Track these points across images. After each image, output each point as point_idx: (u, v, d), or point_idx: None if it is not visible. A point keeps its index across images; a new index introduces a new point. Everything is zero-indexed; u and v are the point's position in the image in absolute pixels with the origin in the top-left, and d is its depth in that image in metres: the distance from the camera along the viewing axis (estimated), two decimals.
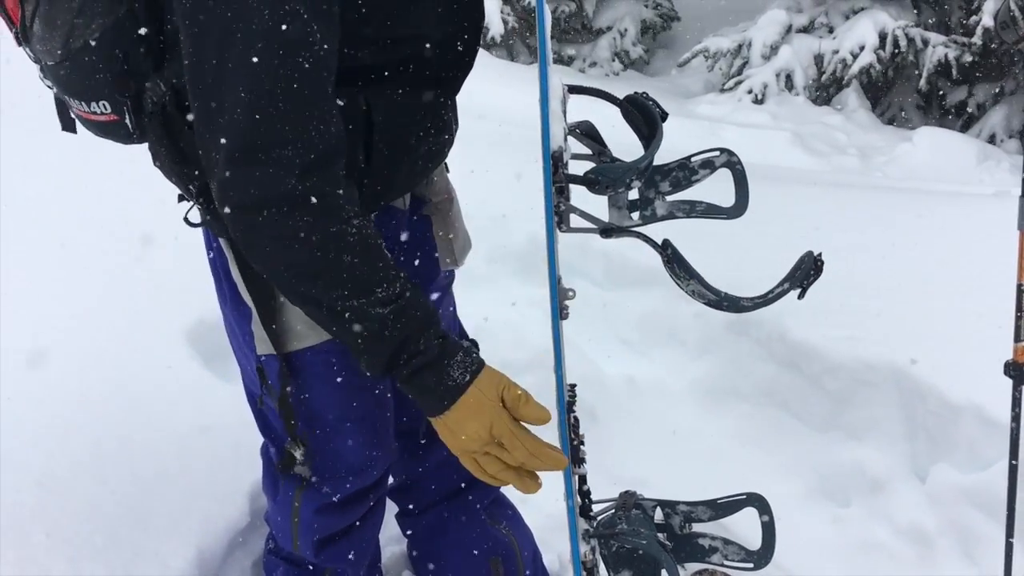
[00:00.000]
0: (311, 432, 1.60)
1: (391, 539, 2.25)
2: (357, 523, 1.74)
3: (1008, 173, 7.47)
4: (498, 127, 4.79)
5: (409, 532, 1.96)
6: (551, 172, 1.33)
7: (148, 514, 1.99)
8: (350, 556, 1.75)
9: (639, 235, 1.43)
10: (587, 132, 1.49)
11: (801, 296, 1.39)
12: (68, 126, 1.60)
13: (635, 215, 1.45)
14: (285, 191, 1.20)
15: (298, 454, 1.59)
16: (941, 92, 9.92)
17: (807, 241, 3.31)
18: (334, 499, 1.68)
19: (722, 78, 10.47)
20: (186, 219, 1.54)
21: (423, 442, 1.84)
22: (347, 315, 1.25)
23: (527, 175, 4.13)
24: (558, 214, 1.36)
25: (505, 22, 10.76)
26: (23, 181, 3.34)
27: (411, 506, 1.92)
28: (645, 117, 1.47)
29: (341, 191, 1.25)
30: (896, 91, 10.22)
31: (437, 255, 1.68)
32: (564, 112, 1.37)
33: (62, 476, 2.05)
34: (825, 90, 9.98)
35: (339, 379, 1.56)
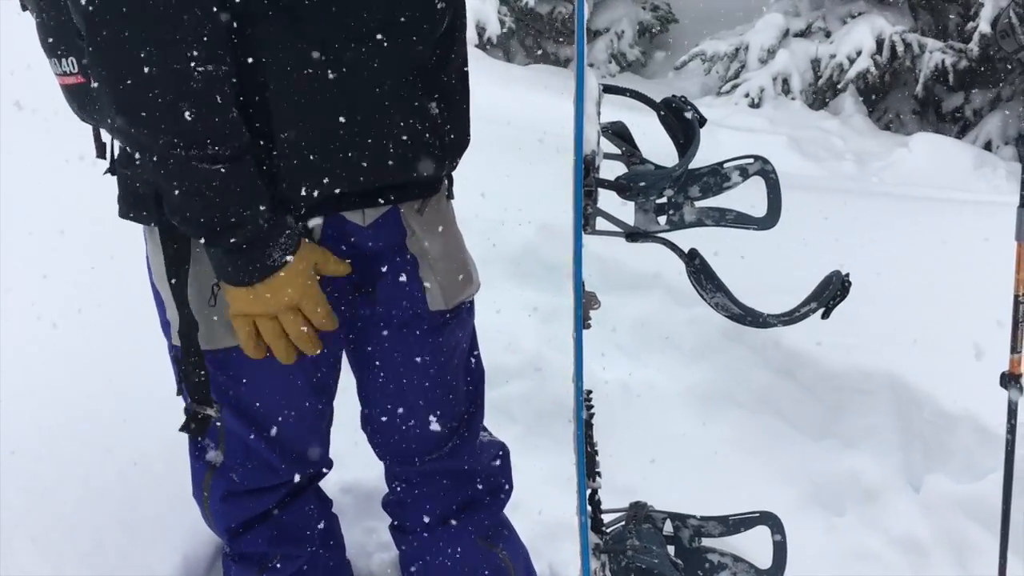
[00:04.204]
0: (224, 423, 1.59)
1: (381, 545, 2.23)
2: (274, 510, 1.72)
3: (1004, 180, 7.47)
4: (492, 127, 4.77)
5: (402, 547, 1.93)
6: (582, 176, 1.29)
7: (134, 519, 1.97)
8: (271, 543, 1.72)
9: (665, 242, 1.39)
10: (618, 132, 1.46)
11: (825, 316, 1.37)
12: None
13: (662, 219, 1.41)
14: None
15: (211, 411, 1.51)
16: (938, 98, 9.94)
17: (802, 246, 3.32)
18: (242, 488, 1.67)
19: (719, 81, 10.47)
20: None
21: (417, 471, 1.79)
22: (170, 161, 1.23)
23: (523, 177, 4.12)
24: (584, 216, 1.33)
25: (502, 22, 10.75)
26: (21, 176, 3.31)
27: (404, 523, 1.89)
28: (682, 122, 1.44)
29: (212, 28, 1.21)
30: (893, 96, 10.22)
31: (427, 296, 1.59)
32: (598, 114, 1.33)
33: (48, 480, 2.02)
34: (822, 95, 9.98)
35: (254, 386, 1.53)
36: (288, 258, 1.34)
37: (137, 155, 1.27)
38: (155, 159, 1.24)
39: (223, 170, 1.24)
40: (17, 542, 1.85)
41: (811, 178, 6.65)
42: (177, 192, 1.26)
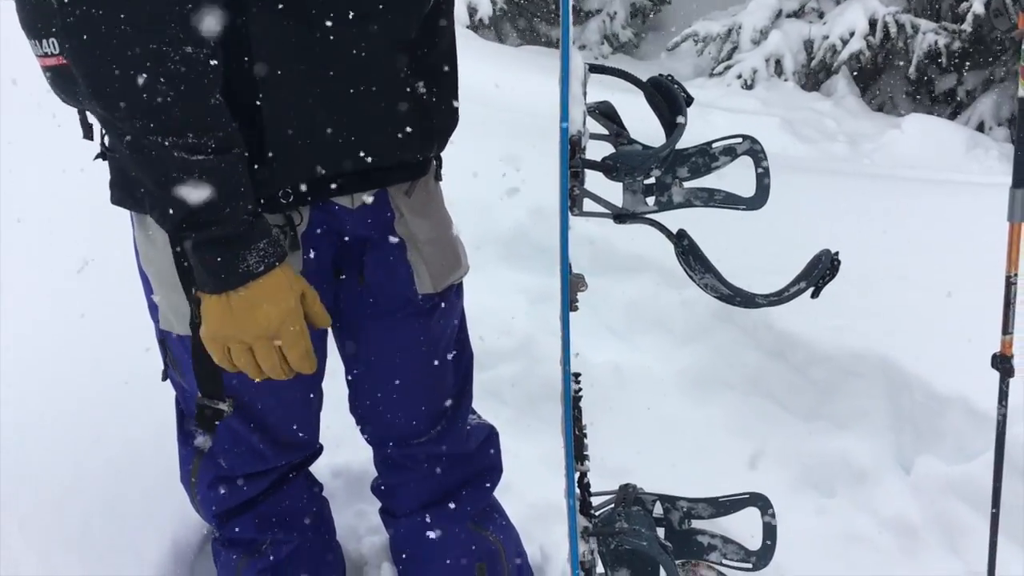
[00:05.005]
0: None
1: (372, 529, 2.22)
2: (263, 496, 1.71)
3: (997, 161, 7.46)
4: (483, 109, 4.75)
5: (392, 531, 1.93)
6: (568, 156, 1.27)
7: (123, 505, 1.96)
8: (260, 529, 1.71)
9: (653, 223, 1.38)
10: (605, 112, 1.44)
11: (815, 295, 1.35)
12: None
13: (650, 200, 1.38)
14: None
15: (224, 405, 1.47)
16: (931, 79, 9.92)
17: (792, 228, 3.31)
18: (229, 474, 1.65)
19: (712, 63, 10.44)
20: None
21: (405, 455, 1.79)
22: (145, 147, 1.17)
23: (516, 160, 4.10)
24: (571, 198, 1.30)
25: (494, 2, 10.69)
26: (12, 161, 3.28)
27: (393, 507, 1.89)
28: (669, 102, 1.42)
29: (193, 9, 1.16)
30: (886, 78, 10.20)
31: (415, 280, 1.58)
32: (584, 94, 1.31)
33: (35, 466, 2.01)
34: (815, 76, 9.96)
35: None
36: (264, 269, 1.25)
37: (114, 139, 1.22)
38: (130, 144, 1.19)
39: (203, 162, 1.18)
40: (4, 528, 1.84)
41: (803, 159, 6.64)
42: (152, 181, 1.20)
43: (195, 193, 1.19)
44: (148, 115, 1.16)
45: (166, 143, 1.17)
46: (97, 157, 1.50)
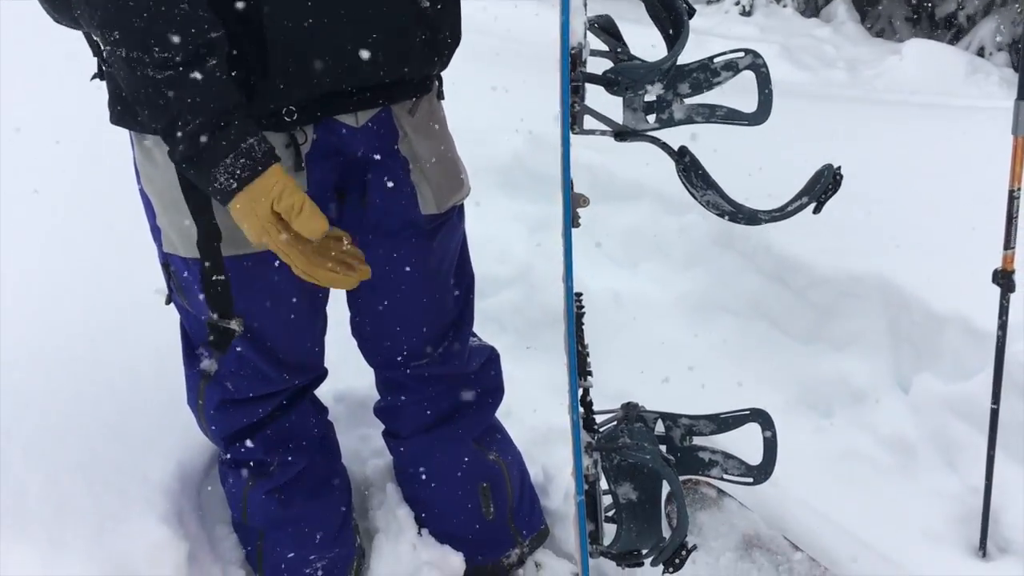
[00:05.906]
0: None
1: (375, 452, 2.24)
2: (269, 418, 1.72)
3: (997, 86, 7.39)
4: (482, 38, 4.68)
5: (396, 453, 1.94)
6: (568, 70, 1.25)
7: (128, 428, 1.96)
8: (267, 451, 1.74)
9: (655, 140, 1.36)
10: (605, 27, 1.42)
11: (817, 211, 1.35)
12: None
13: (651, 118, 1.37)
14: None
15: (234, 324, 1.51)
16: (931, 4, 9.78)
17: (792, 154, 3.29)
18: (236, 396, 1.67)
19: None
20: None
21: (407, 377, 1.80)
22: (123, 63, 1.19)
23: (513, 88, 4.05)
24: (572, 115, 1.28)
25: None
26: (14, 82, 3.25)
27: (396, 429, 1.90)
28: (671, 13, 1.39)
29: None
30: (886, 3, 10.06)
31: (419, 200, 1.58)
32: (585, 4, 1.29)
33: (38, 392, 2.01)
34: (814, 2, 9.83)
35: (243, 296, 1.49)
36: (238, 186, 1.23)
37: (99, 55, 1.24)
38: (106, 58, 1.21)
39: (171, 76, 1.18)
40: (9, 453, 1.85)
41: (802, 86, 6.58)
42: (130, 96, 1.22)
43: (169, 108, 1.19)
44: (115, 26, 1.17)
45: (132, 57, 1.17)
46: (94, 77, 1.48)
